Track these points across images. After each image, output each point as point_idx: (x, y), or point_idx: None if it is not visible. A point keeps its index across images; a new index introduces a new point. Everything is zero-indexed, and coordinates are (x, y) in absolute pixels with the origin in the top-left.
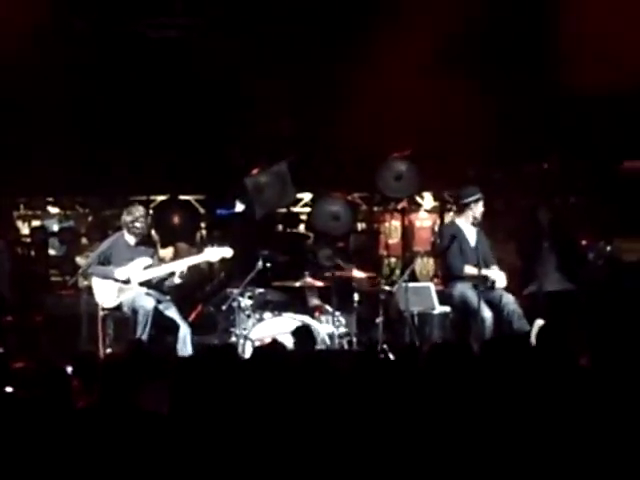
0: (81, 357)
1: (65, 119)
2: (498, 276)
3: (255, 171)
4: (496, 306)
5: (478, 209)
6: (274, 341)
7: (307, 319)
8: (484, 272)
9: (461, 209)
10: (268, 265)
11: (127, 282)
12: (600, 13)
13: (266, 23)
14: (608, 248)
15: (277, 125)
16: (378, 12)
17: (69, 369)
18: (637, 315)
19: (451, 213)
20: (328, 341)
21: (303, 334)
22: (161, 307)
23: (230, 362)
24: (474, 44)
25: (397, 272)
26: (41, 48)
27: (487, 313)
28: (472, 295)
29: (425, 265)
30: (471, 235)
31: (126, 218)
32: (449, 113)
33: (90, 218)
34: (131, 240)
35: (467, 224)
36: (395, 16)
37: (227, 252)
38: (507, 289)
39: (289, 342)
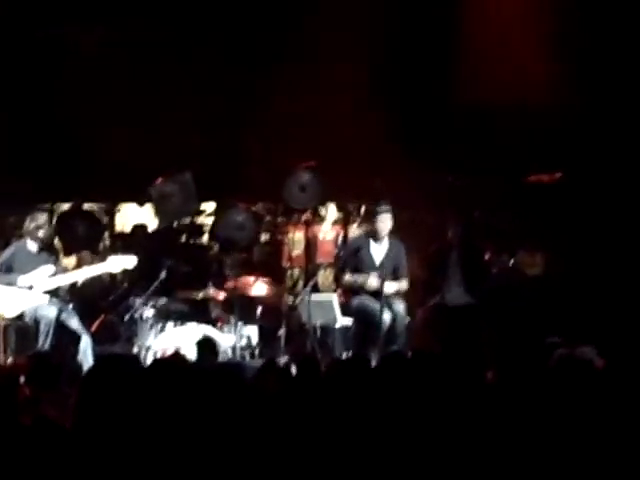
0: None
1: None
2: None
3: (159, 180)
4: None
5: (380, 222)
6: (175, 353)
7: (209, 330)
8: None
9: (364, 221)
10: (171, 275)
11: (30, 289)
12: (502, 31)
13: (178, 38)
14: (511, 262)
15: (183, 134)
16: (286, 32)
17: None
18: (539, 328)
19: (355, 225)
20: (230, 353)
21: (206, 346)
22: (63, 317)
23: (131, 372)
24: (380, 60)
25: (300, 284)
26: None
27: (386, 315)
28: (371, 305)
29: (328, 277)
30: (378, 248)
31: (29, 225)
32: (354, 125)
33: None
34: (34, 248)
35: (373, 237)
36: (301, 36)
37: (130, 262)
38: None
39: (192, 353)
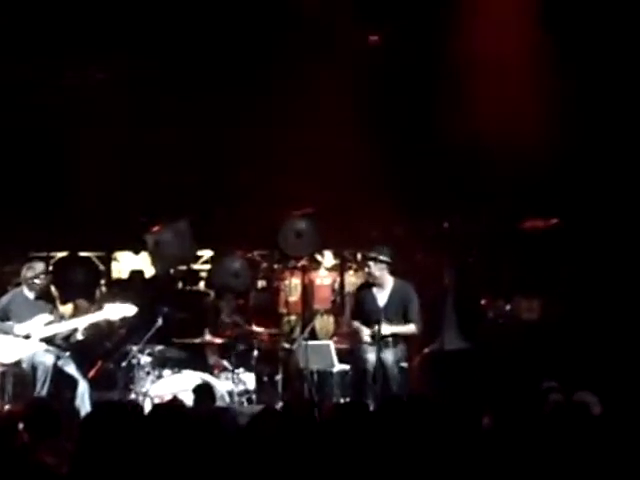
0: None
1: None
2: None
3: (156, 228)
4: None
5: (374, 270)
6: (174, 398)
7: (206, 376)
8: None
9: (360, 267)
10: (168, 322)
11: (27, 338)
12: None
13: (172, 74)
14: (507, 307)
15: (180, 180)
16: (283, 74)
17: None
18: (535, 373)
19: (351, 271)
20: (227, 398)
21: (203, 392)
22: (60, 363)
23: (130, 419)
24: (378, 108)
25: (297, 330)
26: None
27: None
28: (367, 352)
29: (325, 323)
30: (381, 294)
31: (26, 274)
32: (350, 173)
33: None
34: (30, 296)
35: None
36: (299, 79)
37: (129, 310)
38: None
39: (189, 399)
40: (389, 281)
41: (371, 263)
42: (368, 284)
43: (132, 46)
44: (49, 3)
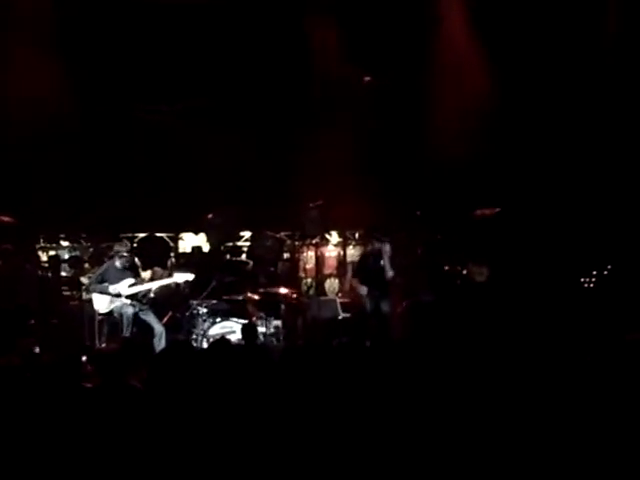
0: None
1: (73, 177)
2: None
3: (210, 215)
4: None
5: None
6: (222, 337)
7: (246, 322)
8: None
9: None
10: (219, 283)
11: (118, 296)
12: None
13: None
14: (464, 272)
15: (227, 184)
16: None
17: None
18: (484, 321)
19: (351, 246)
20: (262, 338)
21: (249, 330)
22: (141, 314)
23: (189, 352)
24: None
25: (312, 289)
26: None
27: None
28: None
29: (332, 284)
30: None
31: (118, 249)
32: (347, 177)
33: (91, 249)
34: (120, 265)
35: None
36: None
37: (189, 277)
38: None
39: (234, 338)
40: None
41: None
42: (367, 253)
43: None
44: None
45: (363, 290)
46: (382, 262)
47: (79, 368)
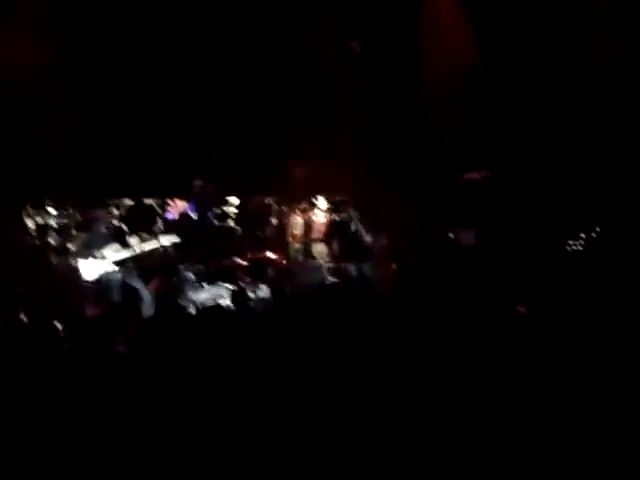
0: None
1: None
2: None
3: (197, 182)
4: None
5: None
6: (215, 304)
7: (234, 287)
8: None
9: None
10: (207, 249)
11: (103, 259)
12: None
13: None
14: (452, 236)
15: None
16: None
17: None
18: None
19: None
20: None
21: (240, 296)
22: (128, 279)
23: (181, 318)
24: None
25: (300, 254)
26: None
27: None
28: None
29: (321, 249)
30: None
31: (104, 215)
32: (336, 141)
33: (78, 216)
34: (106, 231)
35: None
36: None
37: (175, 239)
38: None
39: (223, 303)
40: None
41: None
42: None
43: None
44: None
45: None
46: (353, 227)
47: (56, 333)
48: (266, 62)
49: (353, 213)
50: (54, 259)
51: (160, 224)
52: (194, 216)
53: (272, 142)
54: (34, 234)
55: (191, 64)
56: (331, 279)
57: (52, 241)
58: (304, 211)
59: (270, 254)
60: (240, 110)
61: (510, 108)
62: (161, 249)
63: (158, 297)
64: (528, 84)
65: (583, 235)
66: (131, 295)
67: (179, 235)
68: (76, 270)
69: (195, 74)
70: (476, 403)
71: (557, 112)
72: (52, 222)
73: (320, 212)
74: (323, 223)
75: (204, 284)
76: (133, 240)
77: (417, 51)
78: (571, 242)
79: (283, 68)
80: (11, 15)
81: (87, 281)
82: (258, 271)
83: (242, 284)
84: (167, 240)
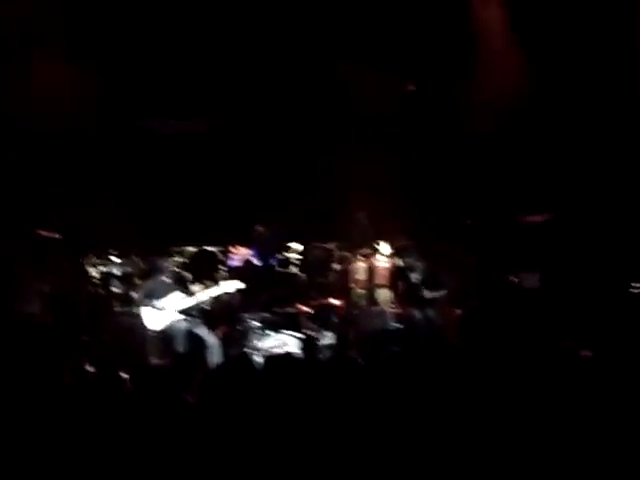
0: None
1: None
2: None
3: (258, 227)
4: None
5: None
6: (286, 353)
7: (299, 335)
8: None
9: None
10: (271, 296)
11: (167, 310)
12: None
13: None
14: (515, 279)
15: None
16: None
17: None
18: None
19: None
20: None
21: (310, 344)
22: (193, 328)
23: (248, 368)
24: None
25: (363, 300)
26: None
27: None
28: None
29: (384, 294)
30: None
31: (166, 263)
32: (393, 187)
33: (141, 264)
34: (169, 279)
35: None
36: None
37: (239, 285)
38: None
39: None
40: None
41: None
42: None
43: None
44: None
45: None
46: (416, 272)
47: (122, 383)
48: (322, 106)
49: (415, 258)
50: (118, 308)
51: (223, 271)
52: (257, 262)
53: (332, 188)
54: (98, 283)
55: (250, 108)
56: (394, 325)
57: (116, 290)
58: (367, 256)
59: (333, 300)
60: (300, 157)
61: (568, 146)
62: (224, 296)
63: (223, 345)
64: (583, 119)
65: None
66: (196, 344)
67: (242, 282)
68: (140, 319)
69: (256, 119)
70: (546, 449)
71: (614, 151)
72: (115, 271)
73: (382, 257)
74: (386, 268)
75: (268, 331)
76: (196, 288)
77: (470, 88)
78: (635, 285)
79: (339, 115)
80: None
81: (151, 330)
82: (322, 318)
83: (307, 331)
84: (230, 287)
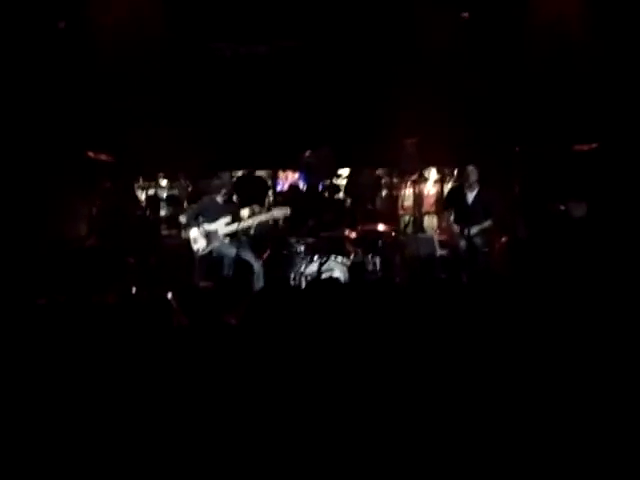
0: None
1: (171, 115)
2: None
3: (307, 153)
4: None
5: (469, 174)
6: (330, 277)
7: (345, 260)
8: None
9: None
10: (317, 221)
11: (216, 232)
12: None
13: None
14: (562, 208)
15: (327, 120)
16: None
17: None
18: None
19: (450, 183)
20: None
21: (355, 268)
22: (240, 252)
23: (289, 290)
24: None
25: (410, 226)
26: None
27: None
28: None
29: (431, 221)
30: (470, 195)
31: (216, 185)
32: (444, 112)
33: (190, 187)
34: (220, 201)
35: (466, 188)
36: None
37: (287, 211)
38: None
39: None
40: (475, 186)
41: (467, 170)
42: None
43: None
44: None
45: (456, 230)
46: (466, 198)
47: (169, 306)
48: (374, 33)
49: (464, 184)
50: (165, 231)
51: (271, 196)
52: (304, 188)
53: (382, 114)
54: (145, 206)
55: (308, 34)
56: (441, 252)
57: (163, 213)
58: (415, 183)
59: (380, 226)
60: (349, 81)
61: (620, 80)
62: (272, 221)
63: (269, 269)
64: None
65: None
66: (243, 268)
67: (289, 206)
68: (187, 242)
69: (313, 44)
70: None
71: None
72: (163, 194)
73: (431, 184)
74: (434, 195)
75: (313, 257)
76: (244, 212)
77: (525, 20)
78: None
79: (392, 39)
80: None
81: (198, 253)
82: (368, 243)
83: (353, 257)
84: (279, 213)
